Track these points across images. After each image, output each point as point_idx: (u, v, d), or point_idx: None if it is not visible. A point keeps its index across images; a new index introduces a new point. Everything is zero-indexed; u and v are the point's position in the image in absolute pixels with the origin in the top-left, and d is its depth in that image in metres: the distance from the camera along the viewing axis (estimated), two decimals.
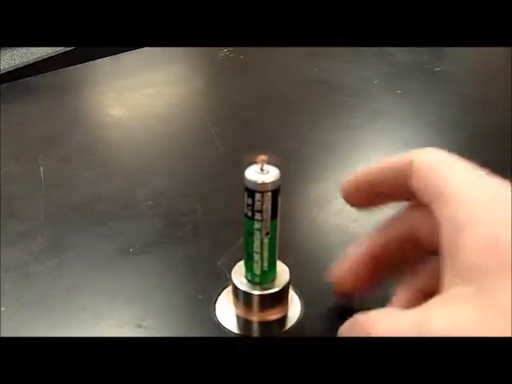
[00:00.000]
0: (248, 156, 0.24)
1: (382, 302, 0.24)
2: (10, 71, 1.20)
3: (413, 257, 0.25)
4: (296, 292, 0.29)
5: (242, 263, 0.27)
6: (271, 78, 0.61)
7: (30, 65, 1.24)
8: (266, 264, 0.26)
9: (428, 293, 0.21)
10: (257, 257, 0.26)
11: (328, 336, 0.25)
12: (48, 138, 0.47)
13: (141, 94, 0.56)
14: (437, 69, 0.63)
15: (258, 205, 0.24)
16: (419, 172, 0.23)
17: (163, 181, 0.40)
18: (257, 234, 0.25)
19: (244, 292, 0.27)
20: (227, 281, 0.28)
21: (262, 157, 0.24)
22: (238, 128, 0.49)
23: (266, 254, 0.25)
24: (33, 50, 1.30)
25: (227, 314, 0.28)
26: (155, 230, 0.35)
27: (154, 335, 0.27)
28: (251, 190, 0.24)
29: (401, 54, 0.66)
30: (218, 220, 0.36)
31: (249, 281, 0.27)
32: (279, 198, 0.25)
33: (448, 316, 0.18)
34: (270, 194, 0.24)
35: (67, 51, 1.30)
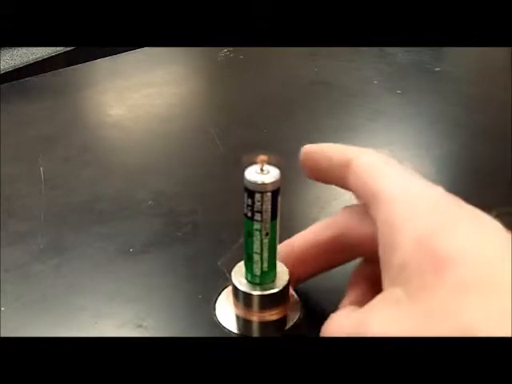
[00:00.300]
0: (248, 156, 0.24)
1: None
2: (10, 71, 1.20)
3: (341, 260, 0.27)
4: (296, 292, 0.29)
5: (242, 264, 0.27)
6: (271, 77, 0.61)
7: (30, 65, 1.24)
8: (265, 265, 0.26)
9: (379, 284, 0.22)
10: (256, 257, 0.26)
11: (327, 336, 0.25)
12: (48, 137, 0.47)
13: (141, 94, 0.56)
14: (437, 69, 0.63)
15: (257, 205, 0.24)
16: (356, 174, 0.24)
17: (163, 181, 0.40)
18: (256, 235, 0.25)
19: (244, 292, 0.27)
20: (227, 281, 0.28)
21: (262, 157, 0.24)
22: (238, 128, 0.49)
23: (265, 255, 0.25)
24: (33, 49, 1.30)
25: (227, 313, 0.28)
26: (155, 230, 0.35)
27: (154, 335, 0.27)
28: (251, 191, 0.24)
29: (401, 54, 0.66)
30: (218, 220, 0.36)
31: (249, 281, 0.27)
32: (279, 199, 0.25)
33: (384, 321, 0.18)
34: (269, 194, 0.24)
35: (67, 51, 1.30)
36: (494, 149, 0.44)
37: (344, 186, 0.25)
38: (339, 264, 0.27)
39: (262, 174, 0.24)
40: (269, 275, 0.26)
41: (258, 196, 0.24)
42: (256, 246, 0.25)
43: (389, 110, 0.52)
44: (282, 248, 0.27)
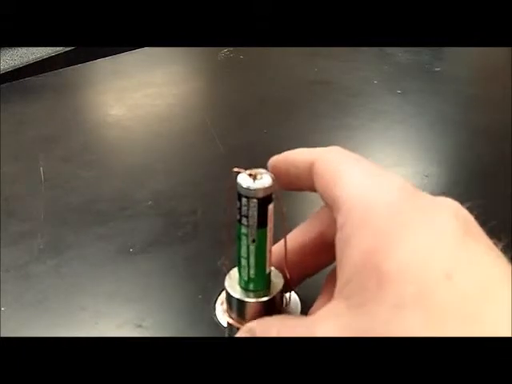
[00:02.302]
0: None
1: None
2: (10, 71, 1.20)
3: (326, 260, 0.26)
4: (296, 292, 0.29)
5: (235, 269, 0.26)
6: (271, 78, 0.61)
7: (29, 65, 1.24)
8: (252, 271, 0.25)
9: None
10: (244, 262, 0.25)
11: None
12: (48, 137, 0.47)
13: (141, 93, 0.56)
14: (437, 69, 0.63)
15: (244, 210, 0.24)
16: (318, 176, 0.23)
17: (163, 181, 0.40)
18: (243, 239, 0.24)
19: (235, 299, 0.25)
20: None
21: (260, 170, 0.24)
22: (238, 128, 0.49)
23: (252, 261, 0.25)
24: (33, 49, 1.30)
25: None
26: (155, 230, 0.35)
27: (154, 335, 0.27)
28: (239, 194, 0.24)
29: (401, 54, 0.66)
30: (218, 220, 0.36)
31: (241, 288, 0.26)
32: (270, 207, 0.24)
33: (326, 334, 0.19)
34: (255, 200, 0.23)
35: (67, 51, 1.30)
36: (494, 149, 0.44)
37: (314, 190, 0.24)
38: (329, 263, 0.26)
39: (251, 179, 0.23)
40: (256, 282, 0.25)
41: (244, 200, 0.23)
42: (243, 251, 0.25)
43: (389, 110, 0.52)
44: (274, 251, 0.26)
